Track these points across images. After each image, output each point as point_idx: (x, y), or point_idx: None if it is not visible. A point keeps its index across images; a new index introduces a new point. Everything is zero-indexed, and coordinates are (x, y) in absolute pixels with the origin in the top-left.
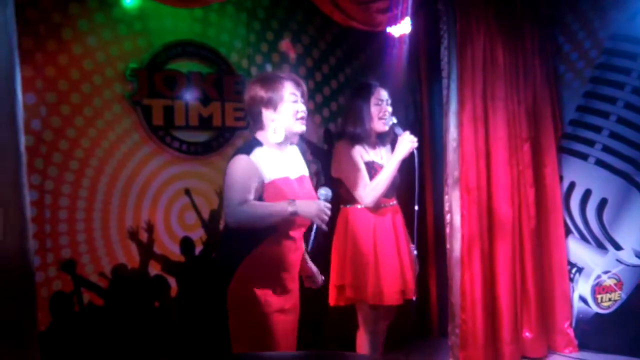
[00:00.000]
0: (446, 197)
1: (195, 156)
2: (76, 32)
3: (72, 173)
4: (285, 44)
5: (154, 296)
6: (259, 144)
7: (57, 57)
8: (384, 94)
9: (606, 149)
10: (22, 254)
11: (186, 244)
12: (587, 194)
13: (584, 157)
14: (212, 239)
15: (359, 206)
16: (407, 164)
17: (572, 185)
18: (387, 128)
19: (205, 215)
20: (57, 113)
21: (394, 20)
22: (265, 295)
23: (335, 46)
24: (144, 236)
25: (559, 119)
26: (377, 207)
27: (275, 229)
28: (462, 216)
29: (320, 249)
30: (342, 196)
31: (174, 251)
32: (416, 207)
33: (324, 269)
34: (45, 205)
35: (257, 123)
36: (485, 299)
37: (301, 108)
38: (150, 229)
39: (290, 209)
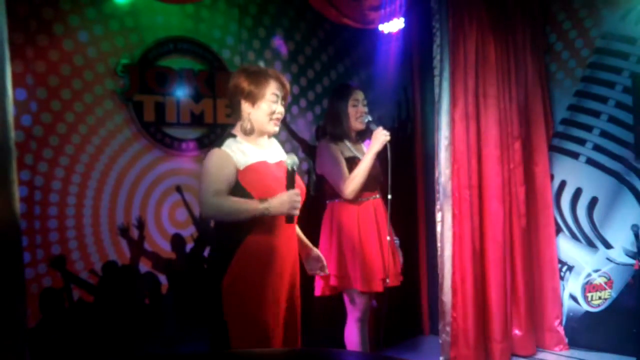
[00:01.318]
0: (437, 195)
1: (187, 153)
2: (67, 28)
3: (62, 169)
4: (277, 41)
5: (145, 293)
6: (231, 135)
7: (48, 53)
8: (360, 95)
9: (597, 148)
10: (11, 250)
11: (177, 240)
12: (577, 193)
13: (574, 155)
14: (203, 236)
15: (343, 200)
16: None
17: (562, 184)
18: (364, 126)
19: (196, 212)
20: (47, 109)
21: (387, 18)
22: (261, 287)
23: (328, 43)
24: (134, 233)
25: (550, 118)
26: (360, 200)
27: (262, 218)
28: (453, 214)
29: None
30: (327, 192)
31: (165, 248)
32: (389, 197)
33: None
34: (35, 202)
35: (235, 112)
36: (475, 297)
37: (279, 109)
38: (141, 225)
39: (260, 207)
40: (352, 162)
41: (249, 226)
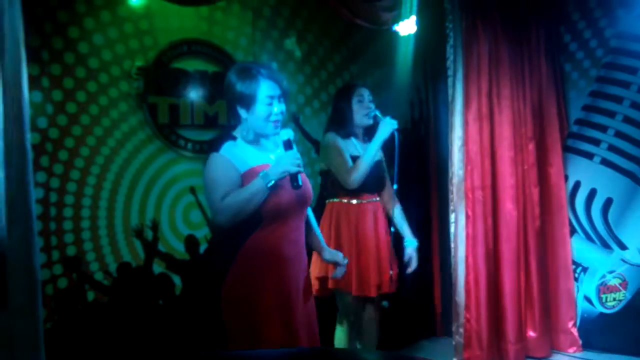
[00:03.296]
0: (451, 196)
1: (201, 154)
2: (82, 31)
3: (77, 171)
4: (290, 42)
5: (159, 294)
6: (230, 137)
7: (63, 55)
8: (365, 92)
9: (612, 148)
10: (27, 251)
11: (191, 242)
12: (592, 194)
13: (589, 156)
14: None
15: (344, 200)
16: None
17: (577, 185)
18: (371, 121)
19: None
20: (63, 111)
21: (400, 18)
22: (262, 291)
23: (341, 44)
24: (148, 234)
25: (564, 118)
26: (359, 202)
27: (260, 221)
28: (467, 215)
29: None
30: (328, 189)
31: (179, 249)
32: (395, 186)
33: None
34: (51, 203)
35: (233, 115)
36: (489, 298)
37: (276, 110)
38: (155, 227)
39: (259, 178)
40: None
41: (250, 228)
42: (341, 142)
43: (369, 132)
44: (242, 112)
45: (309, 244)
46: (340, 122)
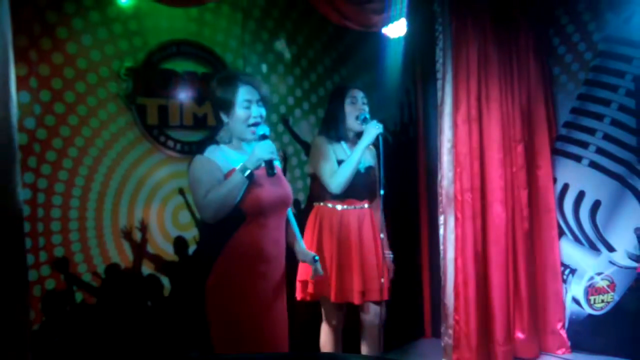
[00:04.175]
0: (440, 198)
1: (190, 155)
2: (71, 31)
3: (65, 172)
4: (280, 44)
5: (147, 295)
6: (213, 142)
7: (52, 56)
8: (358, 93)
9: (600, 151)
10: (14, 252)
11: (180, 243)
12: (580, 196)
13: (577, 159)
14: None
15: (329, 205)
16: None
17: (565, 187)
18: (363, 126)
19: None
20: (51, 112)
21: (390, 21)
22: (245, 287)
23: (330, 47)
24: (137, 235)
25: (553, 121)
26: (344, 208)
27: (244, 217)
28: (456, 217)
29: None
30: (315, 192)
31: (168, 250)
32: (382, 192)
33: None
34: (39, 204)
35: (218, 121)
36: (478, 300)
37: (255, 114)
38: (143, 228)
39: (237, 170)
40: None
41: (233, 226)
42: (329, 146)
43: (360, 136)
44: (224, 117)
45: (288, 244)
46: (332, 125)
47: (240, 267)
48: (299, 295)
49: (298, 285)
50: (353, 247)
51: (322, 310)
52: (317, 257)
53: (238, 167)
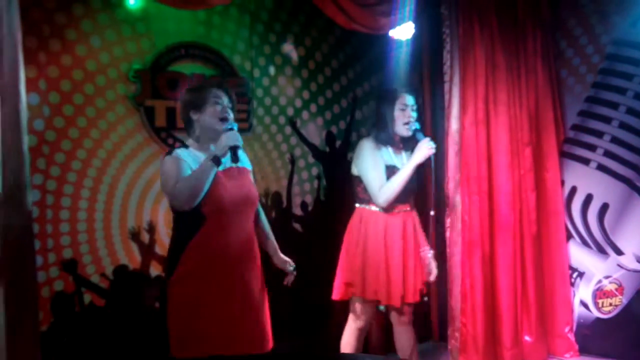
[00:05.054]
0: (447, 200)
1: None
2: (80, 33)
3: (74, 173)
4: (287, 47)
5: (155, 297)
6: (182, 145)
7: (61, 58)
8: (409, 99)
9: (608, 154)
10: (24, 254)
11: None
12: (588, 199)
13: (585, 161)
14: None
15: (373, 208)
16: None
17: (573, 190)
18: (410, 133)
19: None
20: (60, 113)
21: (397, 24)
22: (209, 285)
23: (338, 49)
24: (145, 237)
25: (560, 124)
26: (390, 211)
27: (203, 218)
28: (463, 220)
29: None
30: (358, 195)
31: None
32: (432, 213)
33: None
34: (48, 205)
35: (188, 129)
36: (485, 302)
37: (225, 110)
38: (151, 229)
39: (209, 158)
40: (391, 172)
41: (200, 222)
42: (377, 152)
43: (405, 141)
44: (194, 115)
45: (262, 247)
46: (381, 129)
47: (200, 266)
48: (337, 296)
49: (341, 286)
50: (397, 250)
51: (352, 311)
52: (294, 268)
53: (210, 155)
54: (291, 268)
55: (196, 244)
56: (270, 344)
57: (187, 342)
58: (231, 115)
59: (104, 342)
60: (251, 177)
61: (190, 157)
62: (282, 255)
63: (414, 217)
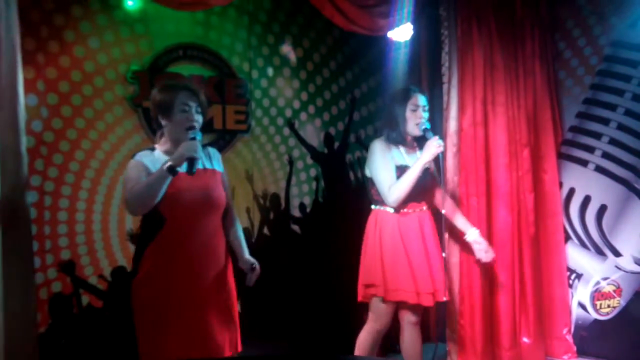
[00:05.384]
0: (446, 202)
1: None
2: (78, 34)
3: (72, 174)
4: (286, 48)
5: None
6: (148, 149)
7: (59, 59)
8: (421, 99)
9: (606, 155)
10: (22, 255)
11: None
12: (586, 200)
13: (583, 163)
14: None
15: (389, 209)
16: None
17: (571, 192)
18: (421, 133)
19: None
20: (58, 115)
21: (396, 25)
22: (173, 286)
23: (336, 50)
24: None
25: (559, 125)
26: (404, 212)
27: (163, 220)
28: None
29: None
30: (373, 196)
31: None
32: (443, 211)
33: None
34: (45, 207)
35: (156, 129)
36: (483, 304)
37: (191, 118)
38: None
39: (164, 165)
40: (402, 172)
41: (160, 224)
42: (387, 152)
43: (418, 140)
44: (162, 120)
45: (230, 247)
46: (393, 128)
47: (160, 268)
48: (359, 297)
49: (362, 289)
50: (418, 249)
51: (371, 311)
52: (255, 265)
53: (165, 164)
54: (252, 270)
55: (156, 246)
56: (238, 348)
57: (152, 345)
58: (199, 122)
59: (102, 344)
60: (221, 179)
61: (152, 162)
62: (247, 257)
63: (430, 217)
